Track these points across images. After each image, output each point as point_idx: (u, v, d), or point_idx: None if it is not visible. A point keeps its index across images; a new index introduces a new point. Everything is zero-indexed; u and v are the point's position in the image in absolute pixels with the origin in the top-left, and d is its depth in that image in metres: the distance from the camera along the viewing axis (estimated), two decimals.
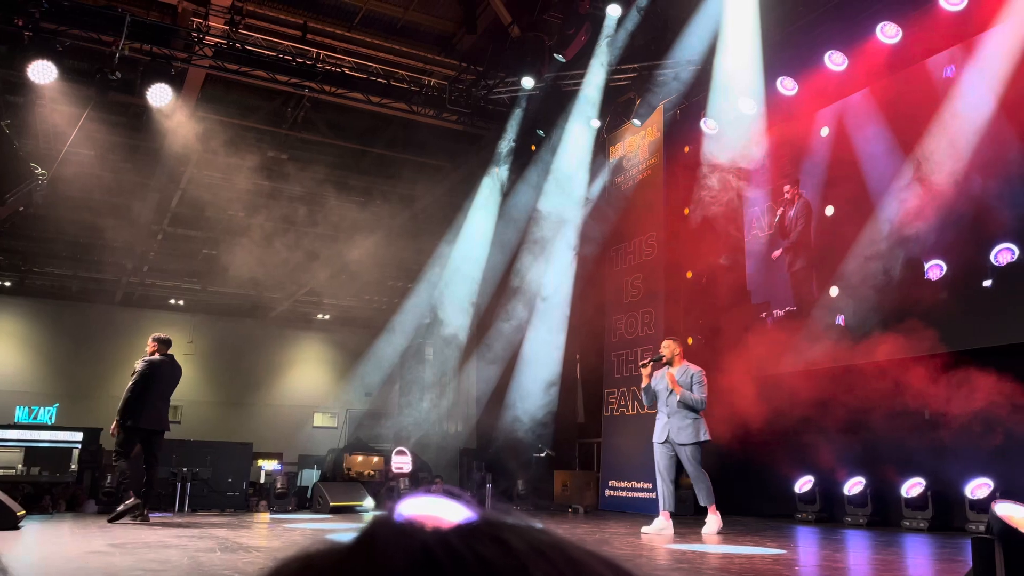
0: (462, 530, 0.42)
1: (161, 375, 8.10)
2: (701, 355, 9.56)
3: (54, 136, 10.33)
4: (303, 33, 9.82)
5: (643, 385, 7.33)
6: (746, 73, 8.81)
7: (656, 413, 7.37)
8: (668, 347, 7.36)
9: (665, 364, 7.32)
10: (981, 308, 7.05)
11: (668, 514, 7.14)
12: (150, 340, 8.40)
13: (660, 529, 7.05)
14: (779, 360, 8.70)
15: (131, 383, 7.93)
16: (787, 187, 9.07)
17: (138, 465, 7.96)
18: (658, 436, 7.20)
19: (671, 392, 7.14)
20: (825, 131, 8.71)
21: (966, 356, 6.89)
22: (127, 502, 7.69)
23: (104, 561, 4.71)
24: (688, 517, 9.11)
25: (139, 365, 8.08)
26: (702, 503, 7.22)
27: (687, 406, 7.03)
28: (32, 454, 11.02)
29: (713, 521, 7.09)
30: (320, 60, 9.88)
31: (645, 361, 7.43)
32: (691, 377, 7.14)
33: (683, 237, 9.75)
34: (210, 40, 9.29)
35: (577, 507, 10.49)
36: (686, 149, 9.99)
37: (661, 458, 7.17)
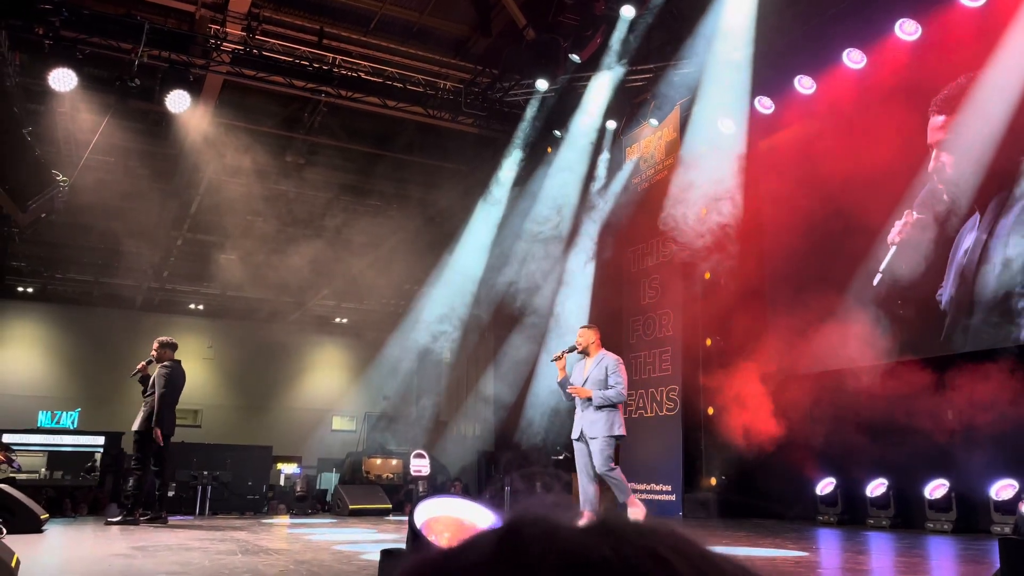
0: (603, 530, 0.42)
1: (177, 381, 8.24)
2: (720, 356, 9.52)
3: (75, 143, 10.44)
4: (319, 38, 9.87)
5: (558, 379, 6.80)
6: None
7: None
8: (582, 335, 6.80)
9: (580, 354, 6.77)
10: (1001, 308, 6.96)
11: (635, 497, 6.70)
12: (156, 344, 8.43)
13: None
14: (800, 361, 8.64)
15: (162, 391, 8.02)
16: None
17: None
18: (574, 432, 6.68)
19: (587, 381, 6.60)
20: None
21: (989, 356, 6.80)
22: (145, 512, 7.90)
23: (126, 564, 4.75)
24: (713, 519, 9.07)
25: (161, 372, 8.16)
26: (623, 500, 6.70)
27: (613, 402, 6.49)
28: (55, 458, 11.15)
29: (634, 513, 6.53)
30: (336, 65, 9.93)
31: (557, 354, 6.87)
32: (605, 368, 6.56)
33: (700, 237, 9.69)
34: (227, 46, 9.36)
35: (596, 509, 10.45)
36: (703, 148, 9.93)
37: (579, 456, 6.65)
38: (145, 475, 8.05)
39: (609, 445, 6.43)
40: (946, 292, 7.40)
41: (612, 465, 6.46)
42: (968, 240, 7.30)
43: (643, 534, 0.42)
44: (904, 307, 7.85)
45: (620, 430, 6.47)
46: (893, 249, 7.91)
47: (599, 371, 6.55)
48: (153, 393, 8.10)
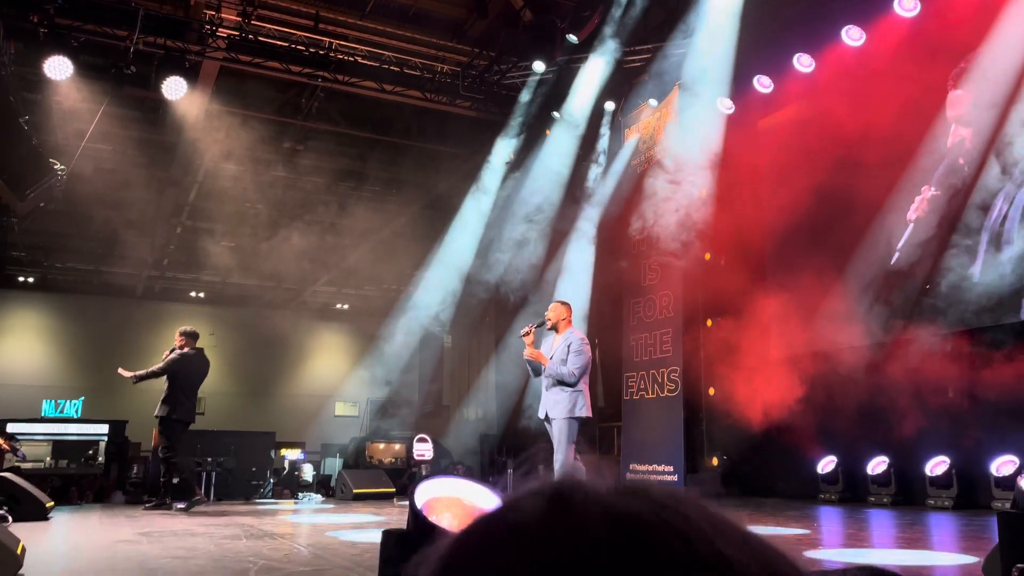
0: (643, 494, 0.44)
1: (193, 368, 8.29)
2: (721, 337, 9.53)
3: (71, 132, 10.41)
4: (315, 23, 9.81)
5: (524, 355, 6.58)
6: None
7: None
8: (553, 310, 6.59)
9: (550, 330, 6.57)
10: (1001, 285, 6.96)
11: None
12: (177, 334, 8.51)
13: None
14: (801, 340, 8.65)
15: (151, 371, 8.10)
16: None
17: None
18: (540, 411, 6.50)
19: (552, 359, 6.40)
20: None
21: (989, 333, 6.81)
22: (196, 498, 7.99)
23: (133, 549, 4.78)
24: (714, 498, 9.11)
25: (171, 356, 8.24)
26: None
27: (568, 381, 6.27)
28: (59, 447, 11.20)
29: None
30: (333, 50, 9.88)
31: (526, 329, 6.62)
32: (568, 346, 6.37)
33: (700, 219, 9.68)
34: (223, 32, 9.31)
35: None
36: (703, 129, 9.89)
37: (552, 436, 6.43)
38: (177, 460, 8.13)
39: (570, 426, 6.21)
40: (978, 266, 7.29)
41: (572, 450, 6.21)
42: (996, 211, 7.21)
43: (679, 500, 0.44)
44: (909, 284, 7.85)
45: (583, 412, 6.23)
46: (911, 226, 7.79)
47: (562, 350, 6.36)
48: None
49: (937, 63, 7.49)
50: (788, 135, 9.18)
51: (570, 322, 6.57)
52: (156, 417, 8.21)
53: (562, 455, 6.22)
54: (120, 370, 8.40)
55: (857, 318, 8.10)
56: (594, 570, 0.40)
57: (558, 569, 0.40)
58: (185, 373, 8.22)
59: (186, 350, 8.32)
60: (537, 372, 6.54)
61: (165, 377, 8.18)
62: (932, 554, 4.58)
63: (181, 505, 8.02)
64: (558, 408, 6.23)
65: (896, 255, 7.91)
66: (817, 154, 8.33)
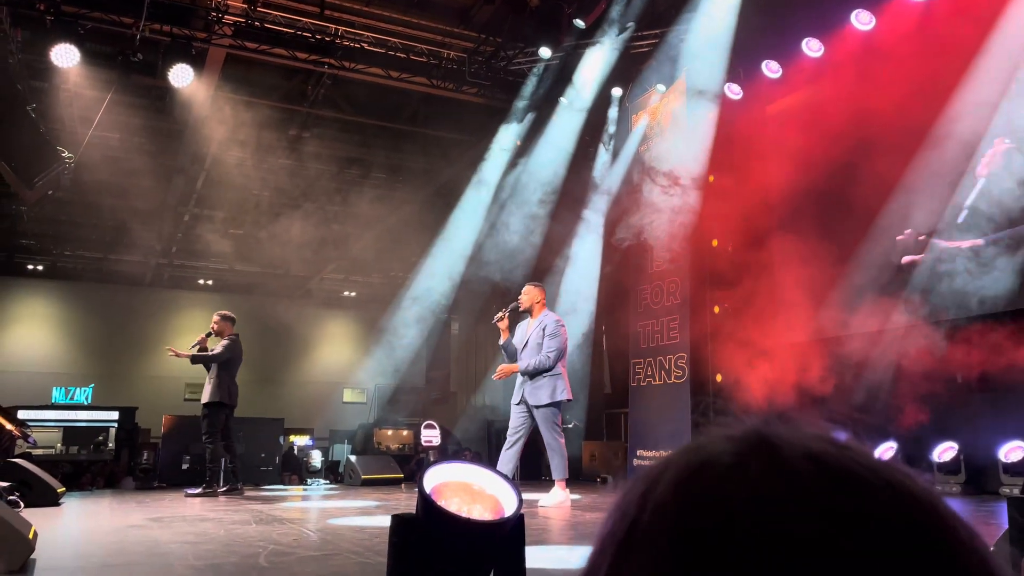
0: (834, 441, 0.48)
1: (238, 353, 8.48)
2: (728, 324, 9.52)
3: (79, 120, 10.42)
4: (321, 9, 9.77)
5: (501, 341, 6.44)
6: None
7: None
8: (527, 293, 6.47)
9: (523, 312, 6.47)
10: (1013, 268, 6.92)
11: (564, 482, 6.43)
12: (216, 317, 8.60)
13: (561, 501, 6.32)
14: (809, 327, 8.63)
15: (217, 355, 8.20)
16: None
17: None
18: (514, 397, 6.33)
19: (526, 345, 6.30)
20: None
21: (998, 318, 6.78)
22: (225, 486, 8.14)
23: (143, 534, 4.82)
24: None
25: (224, 342, 8.34)
26: (554, 475, 6.37)
27: (545, 367, 6.11)
28: (70, 433, 11.28)
29: (556, 494, 6.27)
30: (339, 36, 9.85)
31: (500, 314, 6.48)
32: (543, 329, 6.24)
33: (707, 204, 9.65)
34: (229, 19, 9.29)
35: (606, 477, 10.54)
36: (710, 115, 9.84)
37: (514, 419, 6.34)
38: (217, 447, 8.24)
39: (554, 413, 6.15)
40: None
41: (559, 434, 6.16)
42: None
43: (865, 450, 0.49)
44: (919, 272, 7.81)
45: (564, 395, 6.15)
46: (981, 182, 7.33)
47: (537, 334, 6.24)
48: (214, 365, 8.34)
49: (949, 46, 7.42)
50: (797, 120, 9.12)
51: (544, 304, 6.45)
52: (206, 404, 8.28)
53: (555, 440, 6.21)
54: (171, 349, 8.47)
55: (865, 304, 8.07)
56: (808, 509, 0.43)
57: (774, 510, 0.43)
58: (234, 358, 8.41)
59: (233, 335, 8.51)
60: (512, 357, 6.40)
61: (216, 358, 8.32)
62: None
63: (195, 491, 8.11)
64: (539, 394, 6.14)
65: (964, 213, 7.46)
66: (826, 139, 8.27)
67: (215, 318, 8.72)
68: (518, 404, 6.34)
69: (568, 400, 6.27)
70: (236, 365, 8.58)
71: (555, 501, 6.27)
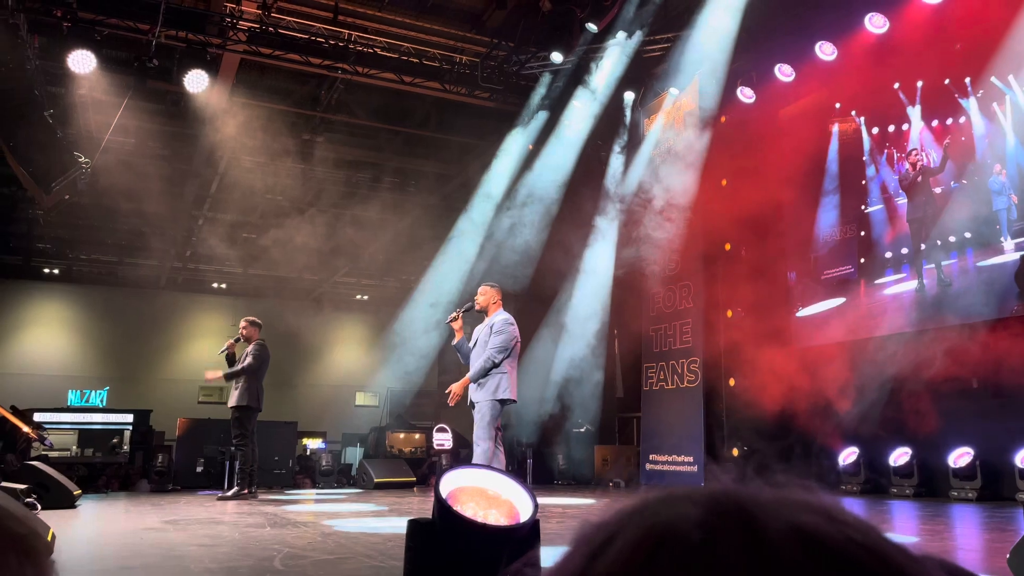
0: (824, 512, 0.39)
1: (267, 357, 8.53)
2: (742, 327, 9.49)
3: (95, 125, 10.51)
4: (334, 15, 9.82)
5: (454, 342, 6.23)
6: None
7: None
8: (483, 293, 6.27)
9: (479, 312, 6.27)
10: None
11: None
12: (244, 323, 8.61)
13: None
14: (822, 331, 8.59)
15: (252, 364, 8.22)
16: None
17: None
18: (468, 399, 6.09)
19: (475, 344, 6.09)
20: None
21: (1016, 322, 6.73)
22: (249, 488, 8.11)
23: (159, 537, 4.86)
24: None
25: (253, 349, 8.37)
26: None
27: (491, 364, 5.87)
28: (85, 436, 11.34)
29: None
30: (352, 41, 9.90)
31: (453, 314, 6.32)
32: (491, 327, 6.01)
33: (720, 209, 9.64)
34: (243, 25, 9.36)
35: (618, 481, 10.52)
36: (723, 119, 9.84)
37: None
38: (250, 450, 8.27)
39: (493, 409, 5.82)
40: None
41: (489, 433, 5.81)
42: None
43: (845, 514, 0.40)
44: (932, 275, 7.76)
45: (507, 394, 5.84)
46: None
47: (486, 332, 6.02)
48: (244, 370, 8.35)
49: (961, 49, 7.38)
50: (810, 124, 9.09)
51: (500, 305, 6.23)
52: (236, 407, 8.30)
53: (484, 442, 5.84)
54: (208, 374, 8.50)
55: (878, 308, 8.03)
56: None
57: None
58: (262, 364, 8.46)
59: (260, 340, 8.54)
60: (466, 358, 6.19)
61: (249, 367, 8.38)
62: (956, 545, 4.55)
63: (228, 493, 8.14)
64: (481, 391, 5.87)
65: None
66: (839, 144, 8.25)
67: (243, 323, 8.72)
68: (471, 406, 6.08)
69: (512, 401, 5.92)
70: (264, 370, 8.59)
71: None
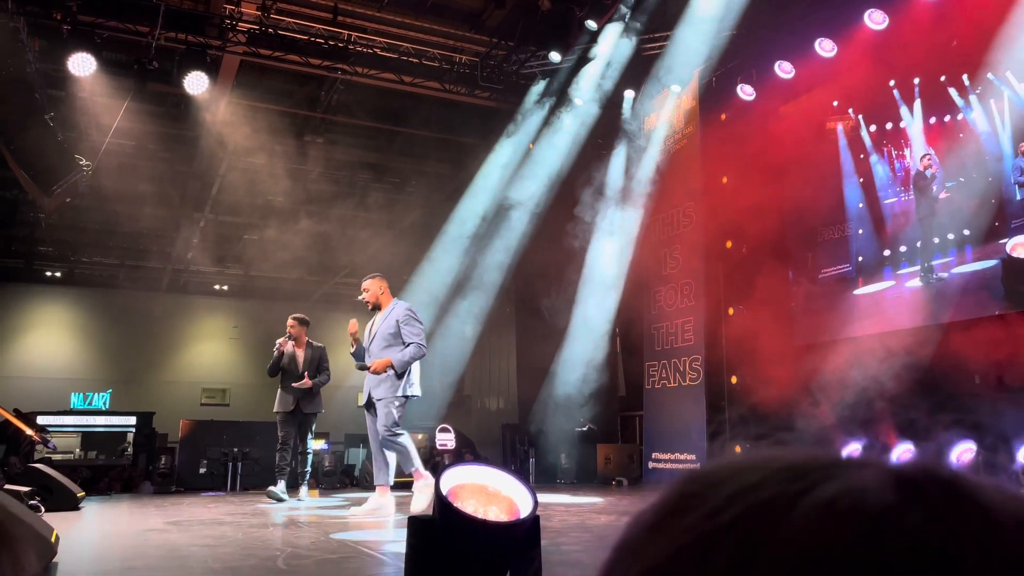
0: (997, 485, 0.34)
1: None
2: (742, 325, 9.49)
3: (95, 128, 10.53)
4: (334, 15, 9.84)
5: (351, 349, 5.95)
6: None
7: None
8: (367, 288, 5.97)
9: (372, 309, 5.99)
10: None
11: (387, 488, 5.91)
12: (292, 322, 8.37)
13: (375, 508, 5.82)
14: (822, 328, 8.59)
15: (328, 376, 8.38)
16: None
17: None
18: (363, 397, 5.87)
19: (375, 337, 5.76)
20: None
21: (1015, 317, 6.72)
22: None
23: (162, 538, 4.87)
24: None
25: (324, 355, 8.48)
26: (376, 480, 5.81)
27: (421, 353, 5.56)
28: (88, 439, 11.36)
29: (374, 500, 5.73)
30: (351, 42, 9.92)
31: (352, 320, 6.05)
32: (396, 321, 5.68)
33: (721, 206, 9.63)
34: (243, 26, 9.37)
35: (621, 480, 10.52)
36: (723, 117, 9.83)
37: (370, 425, 5.85)
38: (287, 452, 8.17)
39: (395, 405, 5.57)
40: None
41: (397, 430, 5.57)
42: None
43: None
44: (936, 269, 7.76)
45: (411, 390, 5.65)
46: None
47: (388, 324, 5.74)
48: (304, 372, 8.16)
49: (960, 45, 7.37)
50: (810, 121, 9.08)
51: (390, 294, 6.00)
52: (284, 412, 8.11)
53: (391, 441, 5.60)
54: (306, 381, 8.17)
55: (881, 304, 8.02)
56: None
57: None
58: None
59: (320, 345, 8.45)
60: (360, 357, 5.94)
61: (302, 367, 8.24)
62: None
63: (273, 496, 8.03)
64: (382, 387, 5.60)
65: None
66: (838, 141, 8.24)
67: (290, 322, 8.38)
68: (368, 406, 5.81)
69: (415, 396, 5.72)
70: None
71: (369, 508, 5.76)
